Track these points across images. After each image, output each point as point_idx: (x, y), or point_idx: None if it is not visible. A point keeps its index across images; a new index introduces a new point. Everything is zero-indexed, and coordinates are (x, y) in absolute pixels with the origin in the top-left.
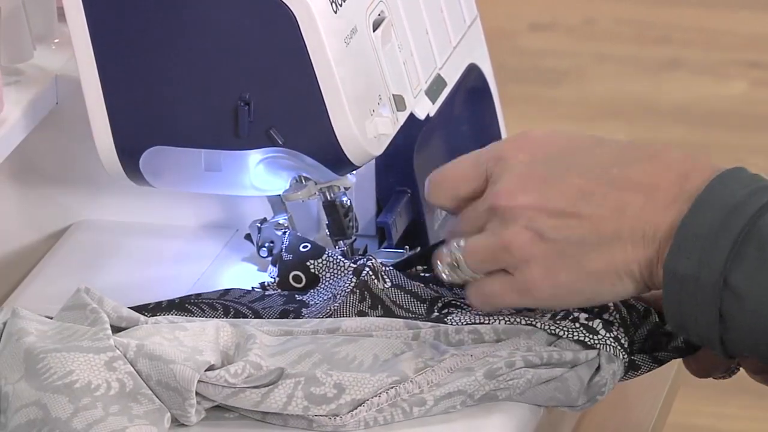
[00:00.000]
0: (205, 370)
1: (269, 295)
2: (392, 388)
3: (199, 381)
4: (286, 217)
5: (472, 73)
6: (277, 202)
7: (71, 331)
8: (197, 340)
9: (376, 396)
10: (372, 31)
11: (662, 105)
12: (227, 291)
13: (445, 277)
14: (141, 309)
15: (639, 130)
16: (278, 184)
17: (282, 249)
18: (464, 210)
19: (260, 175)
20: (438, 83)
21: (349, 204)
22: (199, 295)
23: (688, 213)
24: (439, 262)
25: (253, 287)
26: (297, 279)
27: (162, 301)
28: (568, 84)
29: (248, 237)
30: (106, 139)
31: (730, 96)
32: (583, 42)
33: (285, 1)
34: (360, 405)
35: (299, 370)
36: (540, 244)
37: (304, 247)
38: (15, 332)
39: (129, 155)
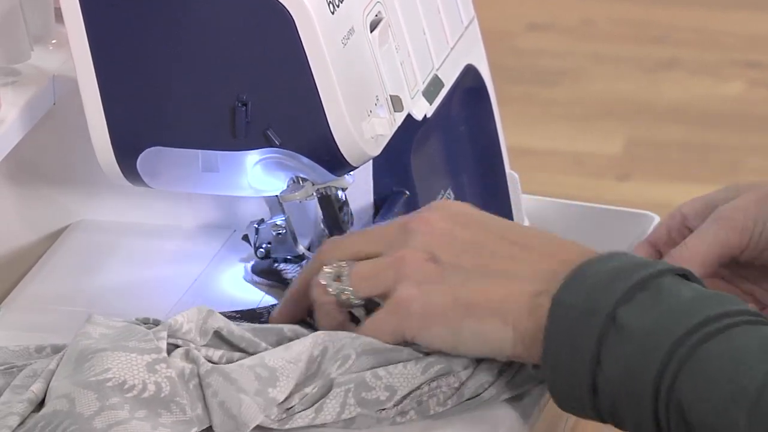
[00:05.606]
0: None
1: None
2: (434, 380)
3: None
4: (283, 218)
5: (470, 73)
6: (275, 203)
7: (128, 332)
8: (277, 358)
9: (418, 389)
10: (369, 31)
11: (660, 105)
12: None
13: (321, 283)
14: None
15: (636, 131)
16: (275, 184)
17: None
18: (370, 229)
19: (257, 176)
20: (435, 84)
21: (344, 199)
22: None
23: (586, 262)
24: (322, 272)
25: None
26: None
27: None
28: (565, 84)
29: (245, 238)
30: (103, 139)
31: (727, 96)
32: (581, 42)
33: (282, 2)
34: (405, 399)
35: (347, 378)
36: (429, 264)
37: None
38: (79, 335)
39: (126, 156)
